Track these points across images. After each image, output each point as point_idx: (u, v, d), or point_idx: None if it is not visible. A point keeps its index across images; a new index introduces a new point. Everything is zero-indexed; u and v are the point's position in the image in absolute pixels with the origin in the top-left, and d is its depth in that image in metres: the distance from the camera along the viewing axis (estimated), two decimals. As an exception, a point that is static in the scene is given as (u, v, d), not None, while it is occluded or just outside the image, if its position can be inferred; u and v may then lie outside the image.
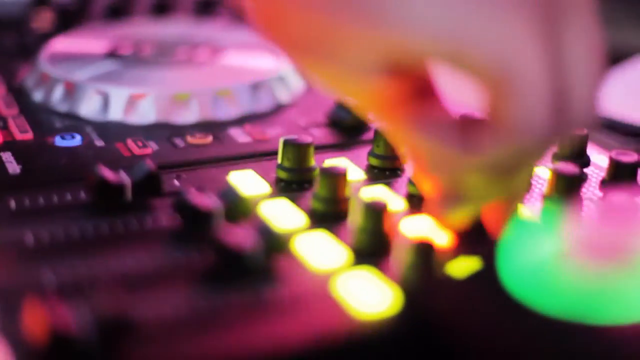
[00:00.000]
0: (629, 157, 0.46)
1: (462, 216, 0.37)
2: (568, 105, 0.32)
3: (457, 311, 0.31)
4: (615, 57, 0.74)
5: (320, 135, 0.52)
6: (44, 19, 0.71)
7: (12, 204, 0.42)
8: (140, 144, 0.49)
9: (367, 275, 0.37)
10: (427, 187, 0.38)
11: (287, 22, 0.35)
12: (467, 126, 0.35)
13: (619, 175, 0.46)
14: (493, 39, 0.31)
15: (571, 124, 0.33)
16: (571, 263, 0.30)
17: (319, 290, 0.36)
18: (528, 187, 0.42)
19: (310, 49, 0.35)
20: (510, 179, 0.36)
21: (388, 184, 0.46)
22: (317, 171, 0.43)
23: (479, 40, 0.31)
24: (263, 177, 0.46)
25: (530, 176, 0.37)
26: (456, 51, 0.32)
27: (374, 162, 0.48)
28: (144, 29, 0.66)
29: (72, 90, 0.54)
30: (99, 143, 0.50)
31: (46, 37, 0.65)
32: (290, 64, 0.48)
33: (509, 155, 0.33)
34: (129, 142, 0.50)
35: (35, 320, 0.32)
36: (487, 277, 0.30)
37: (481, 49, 0.31)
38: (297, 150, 0.45)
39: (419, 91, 0.36)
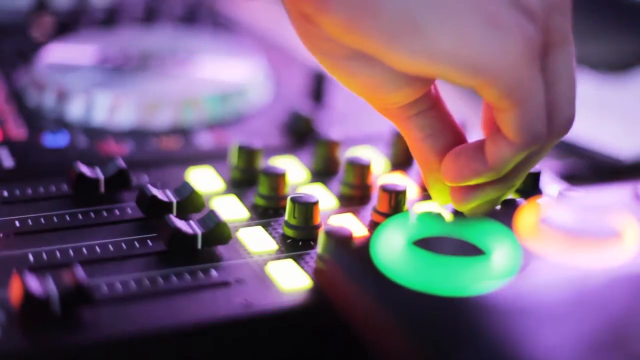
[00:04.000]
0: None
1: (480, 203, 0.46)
2: (555, 114, 0.41)
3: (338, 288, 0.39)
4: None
5: (275, 141, 0.60)
6: (43, 25, 0.78)
7: (5, 193, 0.50)
8: (117, 144, 0.58)
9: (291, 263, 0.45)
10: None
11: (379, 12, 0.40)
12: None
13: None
14: (505, 69, 0.39)
15: (559, 130, 0.42)
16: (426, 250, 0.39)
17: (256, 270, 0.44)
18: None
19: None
20: (516, 178, 0.45)
21: (325, 184, 0.54)
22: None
23: (496, 70, 0.39)
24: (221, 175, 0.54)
25: (526, 174, 0.46)
26: (474, 78, 0.40)
27: (317, 165, 0.55)
28: (131, 38, 0.74)
29: (63, 96, 0.62)
30: (83, 143, 0.58)
31: (44, 43, 0.72)
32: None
33: (517, 157, 0.42)
34: (109, 142, 0.58)
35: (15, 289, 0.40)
36: (363, 258, 0.38)
37: (497, 75, 0.40)
38: (248, 153, 0.53)
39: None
